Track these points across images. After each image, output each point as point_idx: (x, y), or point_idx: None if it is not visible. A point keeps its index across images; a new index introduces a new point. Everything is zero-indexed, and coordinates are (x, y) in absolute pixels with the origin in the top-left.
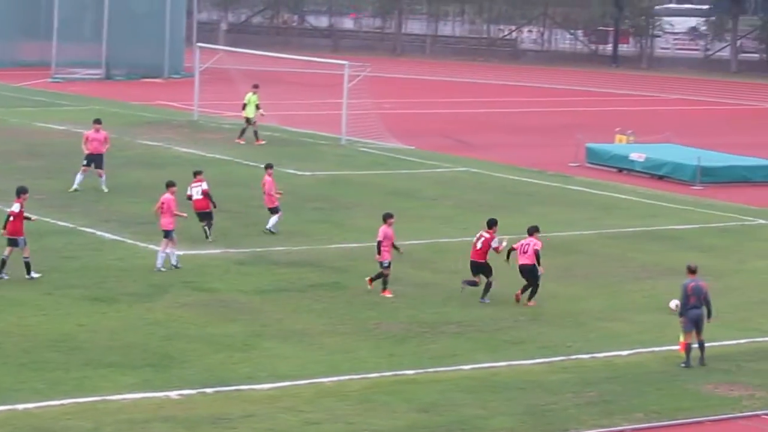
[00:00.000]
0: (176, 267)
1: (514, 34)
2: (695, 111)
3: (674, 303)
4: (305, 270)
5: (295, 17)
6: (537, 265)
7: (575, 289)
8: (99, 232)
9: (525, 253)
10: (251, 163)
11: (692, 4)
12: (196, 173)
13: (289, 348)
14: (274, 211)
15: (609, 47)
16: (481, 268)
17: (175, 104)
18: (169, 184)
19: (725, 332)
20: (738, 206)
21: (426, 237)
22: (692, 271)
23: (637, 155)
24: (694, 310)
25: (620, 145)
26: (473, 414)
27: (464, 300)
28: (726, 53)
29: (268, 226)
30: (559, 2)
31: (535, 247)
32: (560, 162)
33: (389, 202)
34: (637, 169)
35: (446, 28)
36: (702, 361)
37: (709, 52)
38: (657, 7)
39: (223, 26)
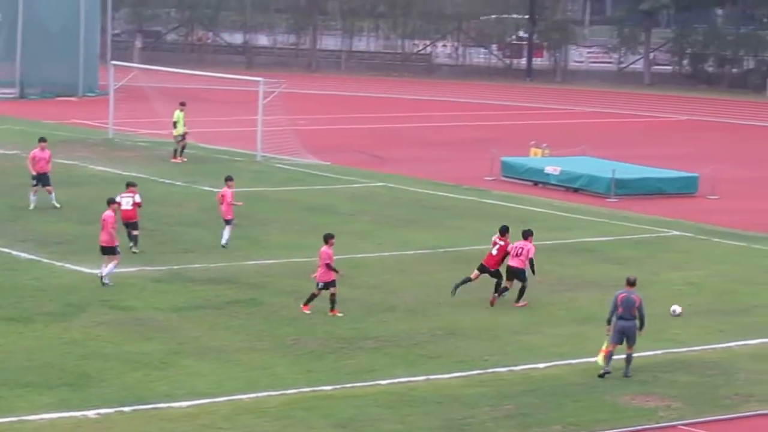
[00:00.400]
0: (105, 284)
1: (428, 49)
2: (610, 123)
3: (676, 308)
4: (222, 287)
5: (210, 34)
6: (532, 272)
7: None
8: (15, 252)
9: (518, 255)
10: (167, 181)
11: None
12: (129, 184)
13: (207, 365)
14: (228, 222)
15: (523, 61)
16: (496, 274)
17: (89, 122)
18: (110, 201)
19: (641, 343)
20: (652, 218)
21: (343, 252)
22: (630, 283)
23: (552, 168)
24: (621, 321)
25: (535, 158)
26: (391, 429)
27: (381, 315)
28: (639, 66)
29: (223, 242)
30: (473, 17)
31: (530, 255)
32: (476, 176)
33: (305, 218)
34: (553, 182)
35: (361, 44)
36: (626, 373)
37: (623, 65)
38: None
39: (138, 44)
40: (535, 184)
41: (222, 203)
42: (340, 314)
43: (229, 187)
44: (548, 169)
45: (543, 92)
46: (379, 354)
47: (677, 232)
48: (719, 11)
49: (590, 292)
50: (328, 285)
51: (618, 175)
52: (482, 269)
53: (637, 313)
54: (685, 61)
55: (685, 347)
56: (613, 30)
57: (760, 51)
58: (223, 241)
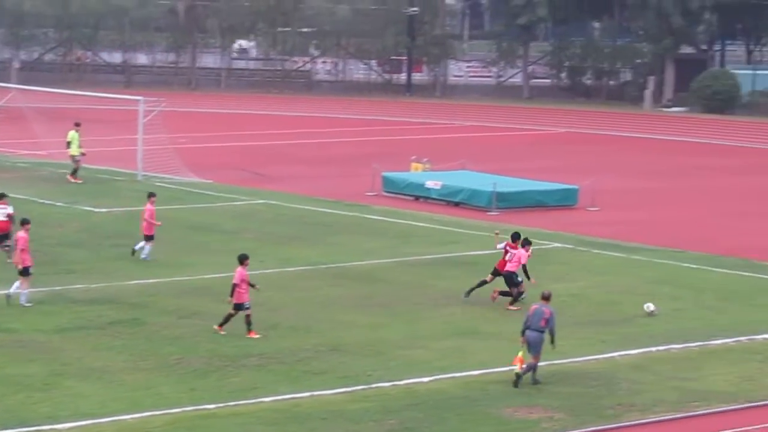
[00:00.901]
0: (24, 305)
1: (308, 66)
2: (489, 137)
3: (649, 306)
4: (104, 307)
5: (89, 53)
6: (527, 277)
7: (375, 317)
8: None
9: (510, 261)
10: (47, 202)
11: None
12: (1, 196)
13: (90, 386)
14: (149, 239)
15: (403, 76)
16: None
17: None
18: (23, 222)
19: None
20: (533, 230)
21: (226, 270)
22: (544, 297)
23: (433, 183)
24: (529, 331)
25: (416, 173)
26: None
27: (265, 332)
28: (518, 79)
29: (143, 256)
30: (353, 33)
31: (522, 262)
32: (357, 192)
33: (188, 236)
34: (434, 196)
35: (241, 61)
36: (534, 380)
37: (502, 79)
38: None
39: (16, 64)
40: (417, 198)
41: (143, 219)
42: (256, 335)
43: (151, 203)
44: (429, 184)
45: (423, 107)
46: (262, 371)
47: (558, 244)
48: (596, 24)
49: (471, 306)
50: (240, 307)
51: (498, 189)
52: (495, 273)
53: (545, 325)
54: (563, 74)
55: (568, 358)
56: (492, 44)
57: (637, 63)
58: (143, 255)
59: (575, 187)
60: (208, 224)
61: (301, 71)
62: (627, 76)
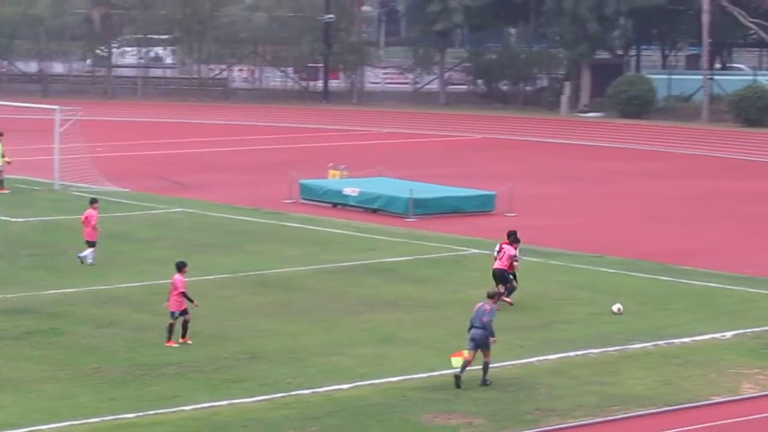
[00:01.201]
0: None
1: (224, 74)
2: (407, 144)
3: (616, 306)
4: (21, 317)
5: (4, 63)
6: (509, 269)
7: (293, 325)
8: None
9: (499, 258)
10: None
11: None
12: None
13: (8, 396)
14: (92, 245)
15: (320, 83)
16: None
17: None
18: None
19: (442, 361)
20: (451, 236)
21: (143, 279)
22: (489, 296)
23: (350, 190)
24: (473, 329)
25: (333, 180)
26: None
27: (184, 341)
28: (435, 86)
29: (88, 261)
30: (269, 40)
31: (509, 253)
32: (275, 199)
33: (105, 245)
34: (351, 203)
35: (157, 70)
36: (483, 381)
37: (419, 86)
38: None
39: None
40: (334, 205)
41: (86, 226)
42: (190, 342)
43: (94, 209)
44: (347, 191)
45: (340, 114)
46: (181, 380)
47: (476, 250)
48: (512, 30)
49: (390, 312)
50: (182, 313)
51: (416, 195)
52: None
53: (485, 321)
54: (479, 81)
55: None
56: (408, 51)
57: (553, 69)
58: (89, 261)
59: (492, 192)
60: (125, 233)
61: (218, 79)
62: (543, 81)
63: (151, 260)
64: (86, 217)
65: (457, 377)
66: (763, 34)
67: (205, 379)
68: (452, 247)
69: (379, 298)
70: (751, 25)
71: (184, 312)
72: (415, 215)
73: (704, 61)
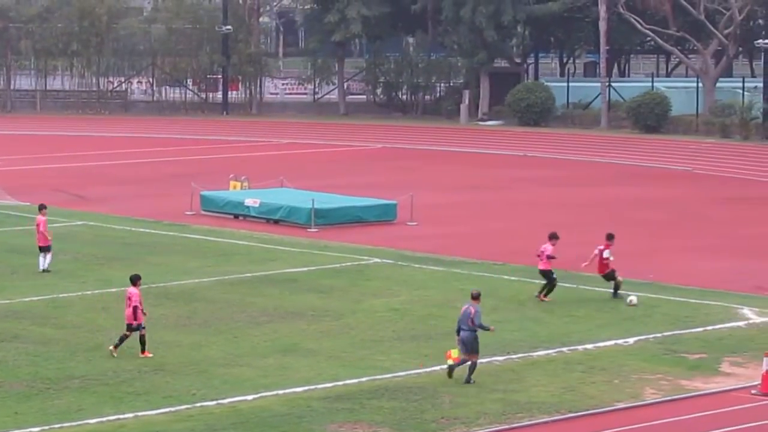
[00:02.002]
0: None
1: (124, 86)
2: (307, 154)
3: (629, 299)
4: None
5: None
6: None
7: (196, 336)
8: None
9: (541, 259)
10: None
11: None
12: None
13: None
14: (47, 249)
15: (219, 95)
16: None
17: None
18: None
19: (346, 371)
20: (353, 246)
21: (45, 293)
22: (473, 296)
23: (251, 201)
24: (461, 331)
25: (234, 191)
26: None
27: (87, 354)
28: (334, 96)
29: (43, 267)
30: (167, 52)
31: (546, 253)
32: (176, 211)
33: (6, 259)
34: (253, 214)
35: (56, 83)
36: (467, 379)
37: (318, 96)
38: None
39: None
40: (236, 217)
41: (37, 231)
42: (150, 354)
43: (43, 215)
44: (248, 202)
45: (239, 125)
46: (86, 393)
47: (378, 260)
48: (410, 39)
49: (293, 323)
50: (137, 327)
51: (317, 205)
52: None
53: (473, 324)
54: (378, 90)
55: (390, 373)
56: (307, 61)
57: (452, 77)
58: (44, 266)
59: (393, 202)
60: (26, 247)
61: (117, 92)
62: (442, 90)
63: (53, 273)
64: (37, 223)
65: (450, 368)
66: (659, 41)
67: (110, 392)
68: (354, 256)
69: (282, 309)
70: (647, 31)
71: (139, 326)
72: (317, 225)
73: (602, 68)
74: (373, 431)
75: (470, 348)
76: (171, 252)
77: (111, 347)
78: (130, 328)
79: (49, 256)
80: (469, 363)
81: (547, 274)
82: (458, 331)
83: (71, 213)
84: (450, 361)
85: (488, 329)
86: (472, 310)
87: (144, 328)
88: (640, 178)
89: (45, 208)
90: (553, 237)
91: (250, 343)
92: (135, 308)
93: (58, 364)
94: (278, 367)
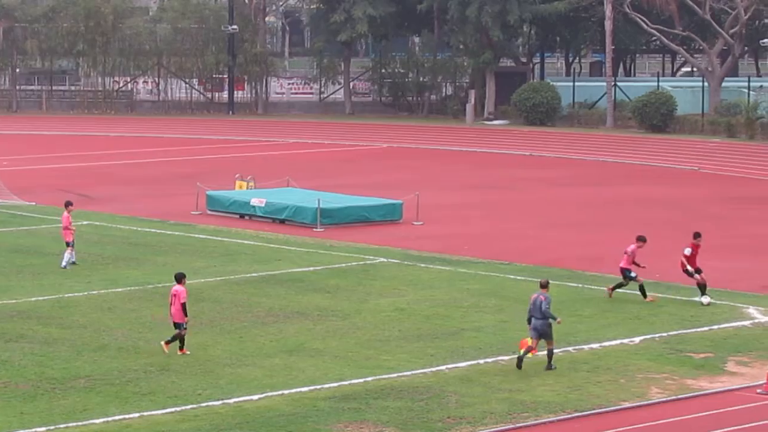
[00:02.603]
0: None
1: (129, 86)
2: (313, 154)
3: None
4: None
5: None
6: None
7: (202, 336)
8: None
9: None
10: None
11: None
12: None
13: None
14: (68, 245)
15: (225, 95)
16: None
17: None
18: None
19: (351, 371)
20: (359, 246)
21: (51, 293)
22: (542, 285)
23: (257, 200)
24: (534, 320)
25: (240, 191)
26: None
27: (92, 354)
28: (340, 95)
29: (63, 263)
30: (173, 52)
31: (627, 252)
32: (182, 211)
33: (12, 259)
34: (259, 214)
35: (62, 83)
36: (549, 366)
37: (324, 96)
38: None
39: None
40: (242, 216)
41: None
42: (188, 352)
43: (68, 212)
44: (254, 202)
45: (245, 125)
46: (92, 393)
47: (384, 259)
48: (416, 39)
49: (299, 322)
50: (182, 325)
51: (323, 205)
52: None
53: (543, 312)
54: (384, 90)
55: (396, 373)
56: (313, 61)
57: (458, 77)
58: (63, 263)
59: (399, 201)
60: (32, 247)
61: (123, 91)
62: (448, 90)
63: (59, 273)
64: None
65: (519, 359)
66: (665, 41)
67: (116, 392)
68: (360, 256)
69: (288, 309)
70: (653, 31)
71: (181, 325)
72: (323, 225)
73: (608, 68)
74: (379, 431)
75: (544, 335)
76: (177, 252)
77: (162, 342)
78: (178, 326)
79: (67, 253)
80: (546, 350)
81: (624, 273)
82: (529, 320)
83: (77, 213)
84: (521, 351)
85: (555, 319)
86: (542, 299)
87: (185, 327)
88: (645, 177)
89: (71, 204)
90: (640, 239)
91: (255, 343)
92: (183, 305)
93: (63, 364)
94: (284, 367)
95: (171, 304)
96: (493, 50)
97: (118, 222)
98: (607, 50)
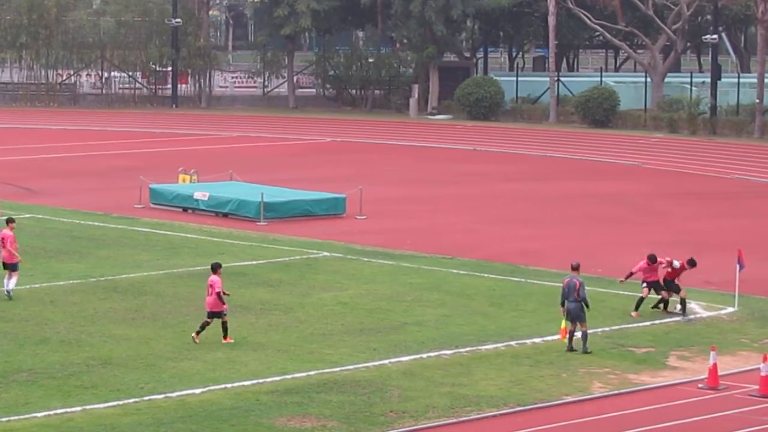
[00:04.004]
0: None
1: (72, 79)
2: (257, 148)
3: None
4: None
5: None
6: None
7: (144, 330)
8: None
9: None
10: None
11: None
12: None
13: None
14: (14, 267)
15: (168, 88)
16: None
17: None
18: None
19: (294, 365)
20: (302, 240)
21: None
22: (573, 268)
23: (200, 194)
24: (568, 303)
25: (183, 185)
26: None
27: (34, 347)
28: (284, 89)
29: (8, 288)
30: (116, 45)
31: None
32: (125, 204)
33: None
34: (202, 207)
35: (4, 75)
36: (584, 349)
37: (268, 89)
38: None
39: None
40: (185, 210)
41: (3, 247)
42: (231, 340)
43: (10, 229)
44: (197, 195)
45: (189, 118)
46: (33, 386)
47: (327, 253)
48: (360, 33)
49: (241, 316)
50: (218, 315)
51: (267, 199)
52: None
53: (578, 296)
54: (328, 84)
55: (338, 367)
56: (257, 55)
57: (401, 72)
58: (9, 287)
59: (343, 195)
60: None
61: (66, 84)
62: (392, 84)
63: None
64: (2, 238)
65: (569, 344)
66: (608, 36)
67: (58, 385)
68: (303, 250)
69: (231, 302)
70: (596, 26)
71: (219, 314)
72: (266, 219)
73: (551, 63)
74: (322, 425)
75: (578, 317)
76: (119, 245)
77: (193, 334)
78: (212, 315)
79: (14, 278)
80: (581, 333)
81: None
82: (563, 303)
83: (19, 206)
84: (565, 340)
85: (588, 305)
86: (577, 282)
87: (226, 314)
88: (588, 172)
89: (13, 221)
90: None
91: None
92: (219, 295)
93: (5, 358)
94: (227, 360)
95: (208, 294)
96: (436, 45)
97: (61, 215)
98: (551, 45)
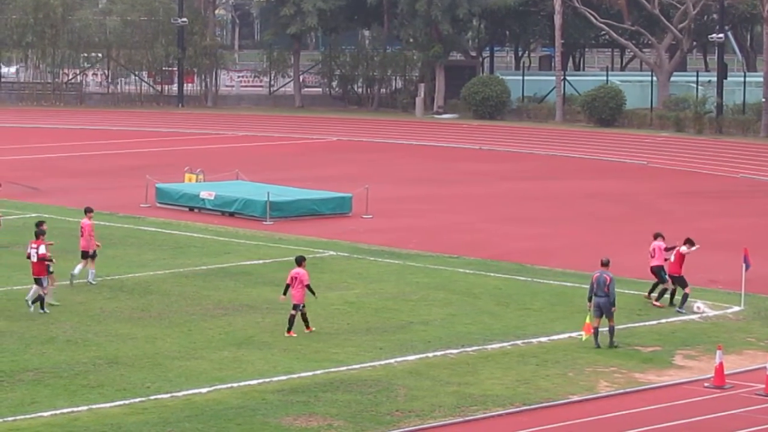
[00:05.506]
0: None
1: (79, 78)
2: (263, 147)
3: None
4: None
5: None
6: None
7: (151, 329)
8: None
9: (653, 257)
10: None
11: (255, 41)
12: None
13: None
14: (91, 256)
15: (175, 87)
16: (678, 280)
17: None
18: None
19: (300, 364)
20: (308, 239)
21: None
22: (603, 264)
23: (207, 193)
24: (596, 297)
25: (190, 184)
26: None
27: (40, 347)
28: (290, 89)
29: (89, 279)
30: (123, 44)
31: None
32: (131, 203)
33: None
34: (208, 207)
35: (10, 74)
36: (611, 343)
37: (274, 89)
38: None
39: None
40: (191, 209)
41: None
42: (314, 329)
43: (88, 218)
44: (203, 194)
45: (195, 118)
46: (40, 386)
47: (333, 253)
48: (366, 32)
49: (248, 315)
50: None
51: (273, 198)
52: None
53: (608, 291)
54: (334, 83)
55: (344, 366)
56: (263, 54)
57: (408, 71)
58: (89, 278)
59: (349, 195)
60: None
61: (72, 84)
62: (398, 83)
63: (6, 266)
64: (81, 227)
65: (595, 339)
66: (614, 35)
67: (64, 384)
68: (310, 249)
69: (237, 302)
70: (602, 25)
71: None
72: (272, 218)
73: (557, 62)
74: (328, 424)
75: (608, 313)
76: (126, 244)
77: (286, 333)
78: (297, 307)
79: (81, 266)
80: (608, 328)
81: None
82: (590, 298)
83: (25, 205)
84: (586, 336)
85: (614, 304)
86: (608, 278)
87: (304, 306)
88: (594, 171)
89: (91, 211)
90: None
91: (204, 336)
92: (309, 287)
93: (11, 357)
94: (233, 359)
95: (292, 286)
96: (442, 44)
97: (66, 214)
98: (557, 44)
